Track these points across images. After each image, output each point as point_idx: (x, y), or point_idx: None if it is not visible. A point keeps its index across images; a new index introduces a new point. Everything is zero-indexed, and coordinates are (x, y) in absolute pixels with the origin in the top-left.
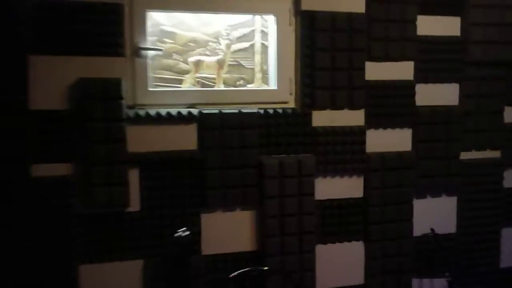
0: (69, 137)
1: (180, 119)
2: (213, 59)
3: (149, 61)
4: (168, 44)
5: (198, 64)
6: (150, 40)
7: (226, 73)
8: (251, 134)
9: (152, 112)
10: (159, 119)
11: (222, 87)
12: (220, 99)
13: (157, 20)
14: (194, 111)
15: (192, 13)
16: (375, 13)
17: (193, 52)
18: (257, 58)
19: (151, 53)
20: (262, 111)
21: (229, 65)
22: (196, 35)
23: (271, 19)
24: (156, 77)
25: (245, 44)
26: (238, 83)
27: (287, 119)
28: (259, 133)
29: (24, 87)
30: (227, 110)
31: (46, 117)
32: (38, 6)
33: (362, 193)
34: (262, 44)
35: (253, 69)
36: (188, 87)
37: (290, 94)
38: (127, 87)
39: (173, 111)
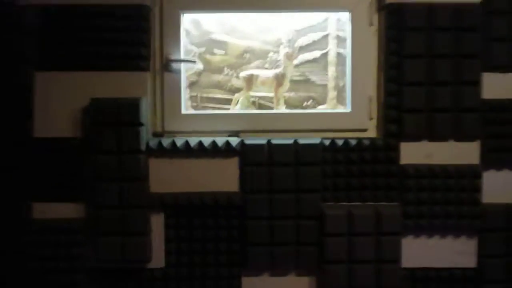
0: (78, 171)
1: (215, 151)
2: (269, 73)
3: (183, 77)
4: (218, 56)
5: (250, 80)
6: (196, 51)
7: (289, 91)
8: (310, 173)
9: (180, 141)
10: (188, 151)
11: (282, 109)
12: (272, 125)
13: (206, 27)
14: (234, 141)
15: (242, 12)
16: (496, 3)
17: (249, 65)
18: (331, 71)
19: (189, 66)
20: (328, 142)
21: (294, 81)
22: (253, 44)
23: (347, 19)
24: (203, 97)
25: (316, 54)
26: (305, 104)
27: (363, 154)
28: (323, 172)
29: (29, 110)
30: (278, 140)
31: (52, 146)
32: (43, 12)
33: (474, 262)
34: (338, 53)
35: (325, 85)
36: (236, 110)
37: (370, 118)
38: (154, 109)
39: (207, 141)
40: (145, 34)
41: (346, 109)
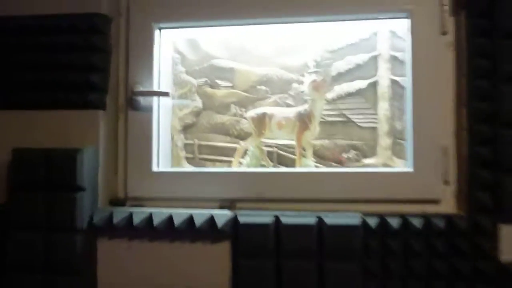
0: None
1: (194, 232)
2: (289, 112)
3: (156, 116)
4: (223, 90)
5: (261, 121)
6: (194, 83)
7: (320, 138)
8: (343, 273)
9: (141, 215)
10: (152, 231)
11: (306, 167)
12: (287, 191)
13: (207, 50)
14: (223, 217)
15: (247, 23)
16: None
17: (265, 101)
18: (383, 108)
19: (180, 103)
20: (374, 221)
21: (327, 123)
22: (270, 72)
23: (405, 28)
24: (203, 146)
25: (359, 84)
26: (345, 156)
27: (434, 242)
28: (364, 270)
29: None
30: (293, 218)
31: None
32: None
33: None
34: (393, 82)
35: (374, 129)
36: (235, 168)
37: (445, 182)
38: (114, 165)
39: (181, 216)
40: (100, 55)
41: (406, 166)
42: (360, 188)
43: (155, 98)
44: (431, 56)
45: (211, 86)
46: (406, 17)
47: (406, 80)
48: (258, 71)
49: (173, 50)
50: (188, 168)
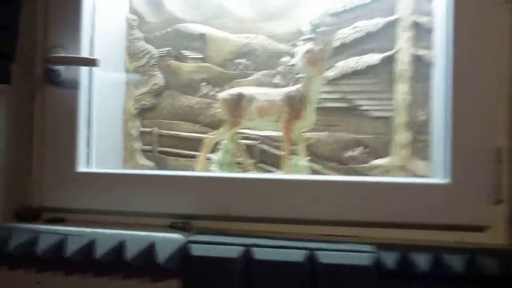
0: None
1: (123, 267)
2: (275, 93)
3: (83, 96)
4: (191, 64)
5: (236, 105)
6: (154, 53)
7: (316, 130)
8: None
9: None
10: (63, 263)
11: (301, 167)
12: (267, 208)
13: (172, 11)
14: (169, 245)
15: None
16: None
17: (246, 79)
18: (401, 92)
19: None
20: (391, 258)
21: (325, 109)
22: (253, 41)
23: None
24: (164, 136)
25: (370, 59)
26: (348, 155)
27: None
28: None
29: None
30: (271, 252)
31: None
32: None
33: None
34: (416, 57)
35: (389, 119)
36: (196, 171)
37: (496, 201)
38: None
39: (106, 241)
40: (2, 6)
41: (437, 173)
42: (371, 206)
43: (83, 69)
44: (481, 21)
45: (177, 58)
46: None
47: (434, 55)
48: (237, 40)
49: (128, 10)
50: (127, 169)
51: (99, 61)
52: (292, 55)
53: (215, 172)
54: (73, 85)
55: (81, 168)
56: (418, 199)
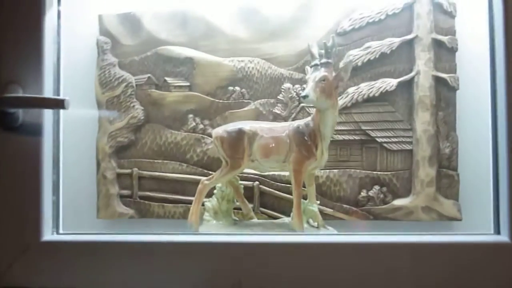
0: None
1: None
2: (281, 128)
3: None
4: (175, 93)
5: (236, 144)
6: (131, 81)
7: (328, 167)
8: None
9: None
10: None
11: (310, 214)
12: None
13: (152, 31)
14: None
15: None
16: None
17: (241, 110)
18: (422, 120)
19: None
20: None
21: (338, 142)
22: (249, 65)
23: None
24: (144, 177)
25: (387, 84)
26: (363, 195)
27: None
28: None
29: None
30: None
31: None
32: None
33: None
34: (438, 79)
35: (409, 153)
36: (189, 235)
37: None
38: None
39: None
40: None
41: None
42: (414, 274)
43: (45, 112)
44: None
45: (158, 87)
46: None
47: (460, 77)
48: (230, 64)
49: (98, 31)
50: (106, 235)
51: (68, 102)
52: (294, 80)
53: (212, 223)
54: (35, 131)
55: (47, 235)
56: (465, 263)
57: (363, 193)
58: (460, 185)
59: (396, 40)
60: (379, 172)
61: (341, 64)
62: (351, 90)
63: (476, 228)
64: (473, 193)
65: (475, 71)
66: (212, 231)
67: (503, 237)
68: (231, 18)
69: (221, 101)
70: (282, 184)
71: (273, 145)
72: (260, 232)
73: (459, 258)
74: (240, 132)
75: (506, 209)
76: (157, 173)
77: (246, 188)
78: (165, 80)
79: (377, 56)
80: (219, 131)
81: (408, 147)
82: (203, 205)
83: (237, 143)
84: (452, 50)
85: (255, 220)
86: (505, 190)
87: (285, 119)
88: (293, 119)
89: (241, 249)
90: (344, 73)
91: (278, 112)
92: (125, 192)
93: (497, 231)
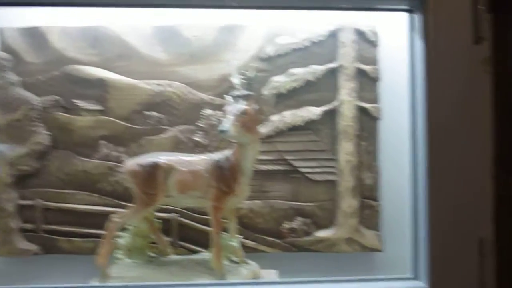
0: None
1: None
2: (200, 162)
3: None
4: (88, 117)
5: (151, 179)
6: (36, 104)
7: (251, 198)
8: None
9: None
10: None
11: (231, 249)
12: None
13: (60, 48)
14: None
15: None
16: None
17: (158, 136)
18: (345, 150)
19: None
20: None
21: (257, 172)
22: (168, 88)
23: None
24: (50, 209)
25: (310, 112)
26: (285, 227)
27: None
28: None
29: None
30: None
31: None
32: None
33: None
34: (361, 109)
35: (332, 184)
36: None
37: None
38: None
39: None
40: None
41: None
42: None
43: None
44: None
45: (67, 110)
46: (409, 9)
47: (381, 107)
48: (147, 87)
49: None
50: None
51: None
52: (216, 107)
53: (125, 262)
54: None
55: None
56: None
57: (286, 225)
58: (382, 216)
59: (321, 68)
60: (302, 203)
61: (265, 92)
62: (274, 118)
63: (396, 260)
64: (395, 223)
65: (397, 101)
66: (124, 272)
67: (420, 283)
68: (149, 38)
69: (136, 126)
70: (203, 216)
71: (191, 180)
72: (177, 271)
73: None
74: (155, 166)
75: (424, 254)
76: (64, 205)
77: (164, 220)
78: (74, 103)
79: (301, 84)
80: (132, 164)
81: (331, 177)
82: (115, 247)
83: (151, 178)
84: (375, 80)
85: (173, 256)
86: (423, 232)
87: (206, 147)
88: (216, 148)
89: None
90: (265, 105)
91: (199, 140)
92: (28, 226)
93: (415, 275)
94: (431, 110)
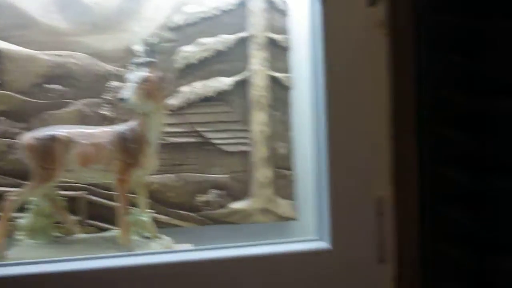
0: None
1: None
2: (101, 134)
3: None
4: None
5: (47, 153)
6: None
7: (160, 172)
8: None
9: None
10: None
11: (142, 225)
12: None
13: None
14: None
15: None
16: None
17: (61, 111)
18: (258, 120)
19: None
20: None
21: (168, 145)
22: (70, 59)
23: None
24: None
25: (222, 83)
26: (198, 199)
27: None
28: None
29: None
30: None
31: None
32: None
33: None
34: (273, 78)
35: (245, 155)
36: None
37: (379, 260)
38: None
39: None
40: None
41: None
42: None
43: None
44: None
45: None
46: None
47: (293, 77)
48: (47, 58)
49: None
50: None
51: None
52: (123, 79)
53: (26, 243)
54: None
55: None
56: (297, 270)
57: (200, 198)
58: (297, 185)
59: (231, 37)
60: (216, 175)
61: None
62: (184, 89)
63: (309, 226)
64: (309, 192)
65: (308, 70)
66: (25, 253)
67: (323, 243)
68: (46, 5)
69: (37, 100)
70: (113, 193)
71: (93, 153)
72: (82, 249)
73: (285, 267)
74: (52, 139)
75: (326, 216)
76: None
77: (72, 198)
78: None
79: (212, 54)
80: (28, 138)
81: (245, 148)
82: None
83: (48, 152)
84: (286, 49)
85: (80, 235)
86: (325, 195)
87: (113, 121)
88: (124, 122)
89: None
90: (168, 73)
91: (106, 113)
92: None
93: (320, 237)
94: (328, 75)
